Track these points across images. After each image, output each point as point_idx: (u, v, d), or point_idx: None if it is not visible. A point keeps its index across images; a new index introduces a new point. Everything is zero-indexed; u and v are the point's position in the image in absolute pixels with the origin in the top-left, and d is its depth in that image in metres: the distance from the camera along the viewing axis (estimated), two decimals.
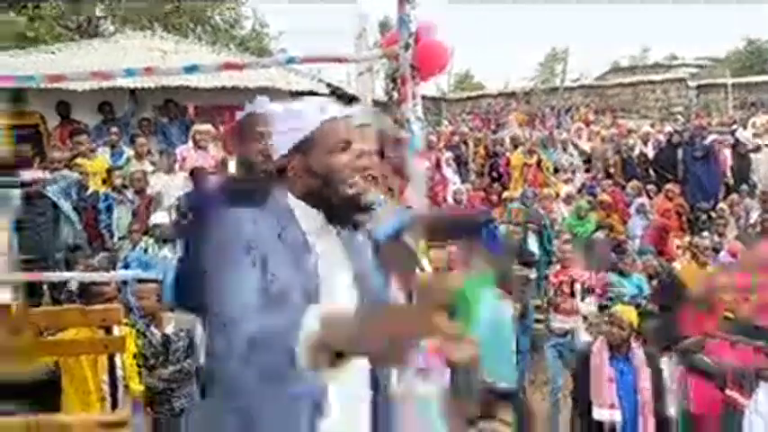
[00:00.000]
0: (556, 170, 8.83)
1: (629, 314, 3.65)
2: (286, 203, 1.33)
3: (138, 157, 7.14)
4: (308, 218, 1.32)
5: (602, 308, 5.87)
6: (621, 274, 5.88)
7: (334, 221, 1.34)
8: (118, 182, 6.55)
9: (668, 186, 7.97)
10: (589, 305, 5.32)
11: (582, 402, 3.57)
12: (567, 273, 5.55)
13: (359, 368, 1.28)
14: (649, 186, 8.37)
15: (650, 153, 9.33)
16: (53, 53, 9.41)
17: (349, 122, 1.35)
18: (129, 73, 2.45)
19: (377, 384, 1.37)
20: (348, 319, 1.03)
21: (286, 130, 1.33)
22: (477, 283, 4.67)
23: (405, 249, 1.29)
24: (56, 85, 7.02)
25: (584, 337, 5.04)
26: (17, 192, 4.95)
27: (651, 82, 15.39)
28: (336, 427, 1.25)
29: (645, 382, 3.45)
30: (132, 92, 8.40)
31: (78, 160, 6.55)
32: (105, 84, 7.45)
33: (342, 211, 1.32)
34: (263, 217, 1.27)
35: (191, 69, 2.53)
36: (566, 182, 8.54)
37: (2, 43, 11.12)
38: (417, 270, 1.42)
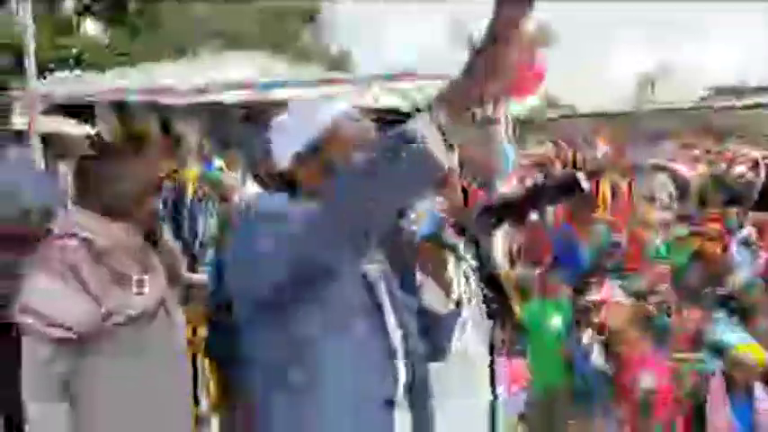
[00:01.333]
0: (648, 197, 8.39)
1: (758, 354, 3.38)
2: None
3: (228, 166, 7.48)
4: None
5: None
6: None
7: None
8: (202, 191, 6.79)
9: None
10: None
11: None
12: None
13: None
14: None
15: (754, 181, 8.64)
16: (156, 71, 10.11)
17: (356, 117, 1.30)
18: (228, 88, 2.55)
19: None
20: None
21: (291, 133, 1.26)
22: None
23: (442, 249, 1.25)
24: (158, 99, 7.55)
25: None
26: None
27: (758, 105, 14.37)
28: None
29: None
30: (227, 107, 8.85)
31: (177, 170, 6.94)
32: (202, 99, 7.89)
33: None
34: None
35: (283, 84, 2.60)
36: (661, 208, 8.07)
37: (116, 59, 12.09)
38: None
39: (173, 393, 1.67)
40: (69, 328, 1.51)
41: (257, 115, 8.67)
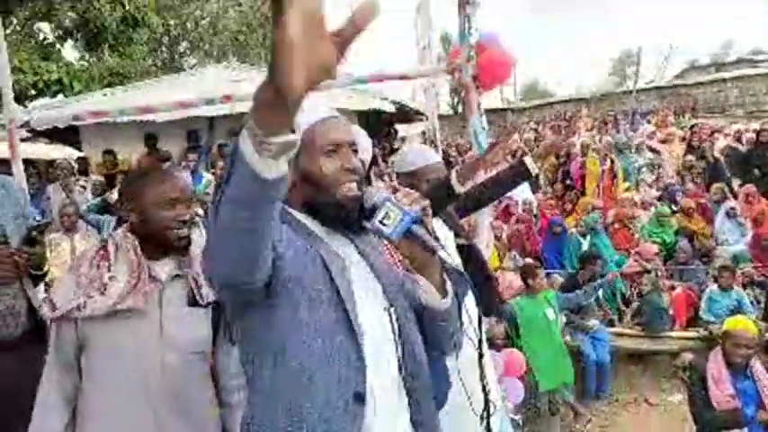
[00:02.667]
0: (628, 175, 8.51)
1: (750, 327, 3.35)
2: (293, 217, 1.27)
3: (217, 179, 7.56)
4: (314, 227, 1.27)
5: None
6: (722, 288, 5.61)
7: (335, 228, 1.28)
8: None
9: (746, 188, 7.47)
10: None
11: (704, 412, 3.31)
12: None
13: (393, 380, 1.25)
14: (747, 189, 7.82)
15: (741, 150, 8.78)
16: (138, 89, 10.14)
17: (337, 124, 1.28)
18: (210, 102, 2.63)
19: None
20: None
21: None
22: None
23: (422, 245, 1.22)
24: (142, 118, 7.58)
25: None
26: (110, 217, 5.40)
27: (734, 79, 14.51)
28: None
29: None
30: (210, 120, 8.90)
31: None
32: (187, 114, 7.94)
33: (339, 217, 1.25)
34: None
35: None
36: (642, 186, 8.18)
37: (96, 83, 12.06)
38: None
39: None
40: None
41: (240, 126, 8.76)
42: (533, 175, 2.40)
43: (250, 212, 0.95)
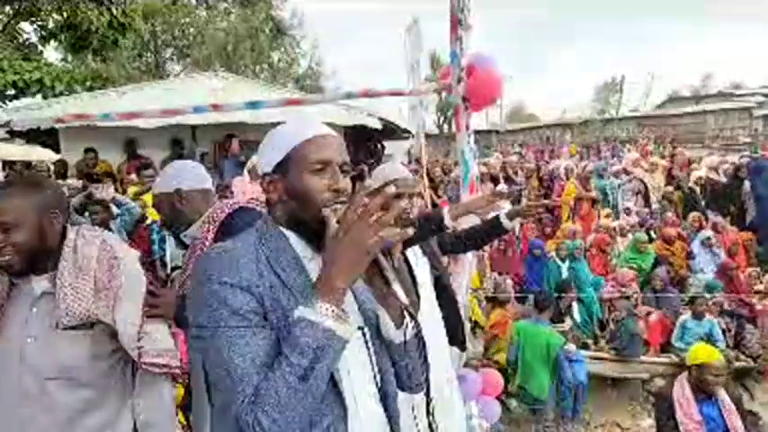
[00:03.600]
0: (608, 202, 8.63)
1: (718, 356, 3.49)
2: (278, 232, 1.25)
3: None
4: (297, 245, 1.24)
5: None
6: (695, 316, 5.71)
7: (314, 246, 1.25)
8: None
9: (717, 220, 7.66)
10: None
11: None
12: None
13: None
14: (716, 219, 8.00)
15: (722, 181, 8.96)
16: (124, 93, 10.03)
17: (329, 141, 1.25)
18: (197, 110, 2.59)
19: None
20: None
21: (268, 151, 1.27)
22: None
23: (381, 274, 1.18)
24: (125, 123, 7.48)
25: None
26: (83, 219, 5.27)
27: (713, 111, 14.88)
28: None
29: (737, 422, 3.31)
30: (193, 129, 8.82)
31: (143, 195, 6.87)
32: (169, 121, 7.86)
33: (322, 235, 1.20)
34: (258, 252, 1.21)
35: (254, 105, 2.65)
36: (622, 214, 8.29)
37: (79, 85, 11.90)
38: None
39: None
40: None
41: (225, 138, 8.70)
42: (509, 230, 2.64)
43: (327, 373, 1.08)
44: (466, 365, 3.41)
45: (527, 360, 4.99)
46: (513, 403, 5.24)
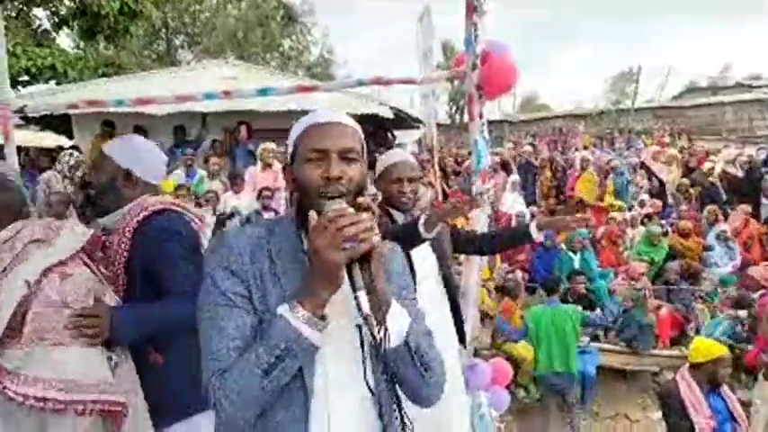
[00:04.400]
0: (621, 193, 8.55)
1: (722, 348, 3.54)
2: (290, 221, 1.26)
3: (211, 176, 7.47)
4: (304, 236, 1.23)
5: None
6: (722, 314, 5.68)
7: None
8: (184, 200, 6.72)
9: (742, 209, 7.55)
10: None
11: None
12: None
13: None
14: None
15: (738, 175, 8.83)
16: (133, 81, 10.04)
17: (329, 130, 1.23)
18: (209, 96, 2.58)
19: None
20: None
21: (288, 142, 1.29)
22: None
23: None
24: (135, 109, 7.49)
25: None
26: None
27: (730, 103, 14.64)
28: None
29: (740, 410, 3.38)
30: (204, 116, 8.82)
31: None
32: (179, 108, 7.86)
33: None
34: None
35: (264, 92, 2.63)
36: (639, 206, 8.20)
37: (91, 71, 11.94)
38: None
39: None
40: None
41: (243, 125, 8.70)
42: (535, 240, 2.63)
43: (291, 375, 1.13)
44: (476, 355, 3.40)
45: (546, 343, 5.01)
46: (522, 393, 5.24)
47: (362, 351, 1.21)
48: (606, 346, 5.81)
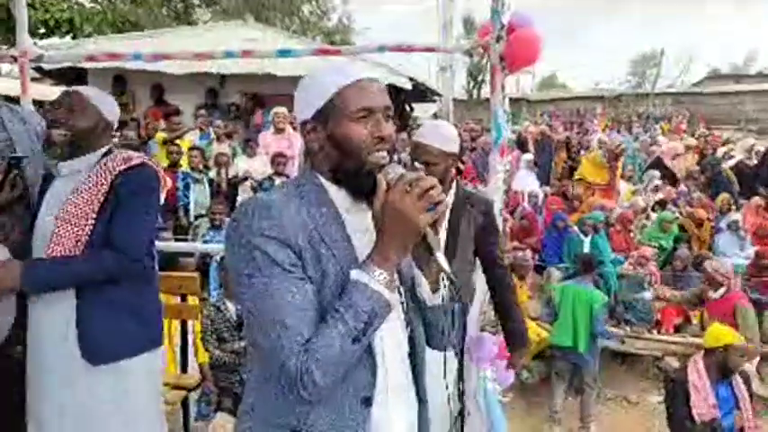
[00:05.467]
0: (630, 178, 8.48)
1: (738, 335, 3.53)
2: (318, 183, 1.22)
3: (218, 138, 7.46)
4: (337, 197, 1.22)
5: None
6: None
7: (358, 198, 1.22)
8: (196, 161, 6.68)
9: (756, 201, 7.45)
10: None
11: (683, 426, 3.40)
12: None
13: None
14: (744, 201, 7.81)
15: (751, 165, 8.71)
16: (151, 38, 9.98)
17: (371, 87, 1.20)
18: (229, 55, 2.56)
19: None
20: None
21: (309, 97, 1.22)
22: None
23: (424, 240, 1.19)
24: (153, 67, 7.46)
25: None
26: None
27: (751, 92, 14.37)
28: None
29: (746, 403, 3.35)
30: (222, 78, 8.78)
31: (177, 140, 6.89)
32: (198, 69, 7.82)
33: (364, 187, 1.19)
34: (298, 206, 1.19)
35: (285, 53, 2.60)
36: (652, 192, 8.13)
37: (108, 27, 11.87)
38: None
39: None
40: None
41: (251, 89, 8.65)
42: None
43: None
44: (482, 330, 3.43)
45: (569, 318, 4.92)
46: (525, 374, 5.27)
47: (401, 311, 1.27)
48: (610, 328, 5.83)
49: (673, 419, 3.44)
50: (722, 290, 4.80)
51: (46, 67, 7.99)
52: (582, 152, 8.96)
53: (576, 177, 8.17)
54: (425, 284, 1.27)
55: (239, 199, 6.08)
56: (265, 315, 1.11)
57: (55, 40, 11.57)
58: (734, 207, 7.46)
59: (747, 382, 3.50)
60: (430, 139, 2.36)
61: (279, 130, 7.04)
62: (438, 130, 2.41)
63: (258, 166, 6.86)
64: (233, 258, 1.16)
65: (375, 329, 1.12)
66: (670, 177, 8.71)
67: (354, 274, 1.12)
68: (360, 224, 1.22)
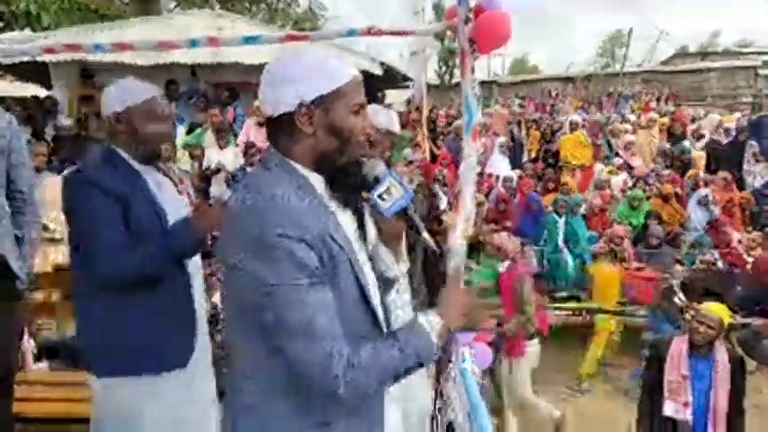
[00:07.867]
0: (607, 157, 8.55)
1: (720, 312, 3.35)
2: (298, 172, 1.20)
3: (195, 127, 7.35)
4: (317, 186, 1.21)
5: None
6: None
7: (335, 188, 1.22)
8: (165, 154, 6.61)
9: (722, 175, 7.60)
10: None
11: (652, 395, 3.41)
12: None
13: None
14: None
15: (723, 141, 8.85)
16: (117, 29, 9.69)
17: (362, 84, 1.24)
18: (194, 43, 2.48)
19: None
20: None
21: (313, 78, 1.17)
22: None
23: (409, 225, 1.31)
24: (118, 59, 7.26)
25: None
26: None
27: (717, 69, 14.64)
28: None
29: (722, 386, 3.23)
30: (192, 68, 8.58)
31: None
32: (166, 59, 7.63)
33: (345, 178, 1.22)
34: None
35: (252, 39, 2.53)
36: (619, 170, 8.24)
37: (66, 15, 11.51)
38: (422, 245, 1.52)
39: None
40: None
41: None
42: None
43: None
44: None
45: None
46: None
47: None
48: (587, 305, 5.96)
49: (644, 388, 3.49)
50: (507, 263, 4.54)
51: (4, 61, 7.72)
52: (557, 135, 9.00)
53: (560, 164, 8.22)
54: (388, 260, 1.39)
55: (212, 191, 5.97)
56: (292, 323, 1.08)
57: (13, 34, 11.18)
58: (702, 183, 7.61)
59: (739, 364, 3.34)
60: (377, 121, 2.41)
61: (261, 123, 6.96)
62: (382, 111, 2.52)
63: (230, 157, 6.76)
64: (250, 263, 1.09)
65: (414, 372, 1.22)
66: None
67: (423, 319, 1.22)
68: (341, 215, 1.23)
